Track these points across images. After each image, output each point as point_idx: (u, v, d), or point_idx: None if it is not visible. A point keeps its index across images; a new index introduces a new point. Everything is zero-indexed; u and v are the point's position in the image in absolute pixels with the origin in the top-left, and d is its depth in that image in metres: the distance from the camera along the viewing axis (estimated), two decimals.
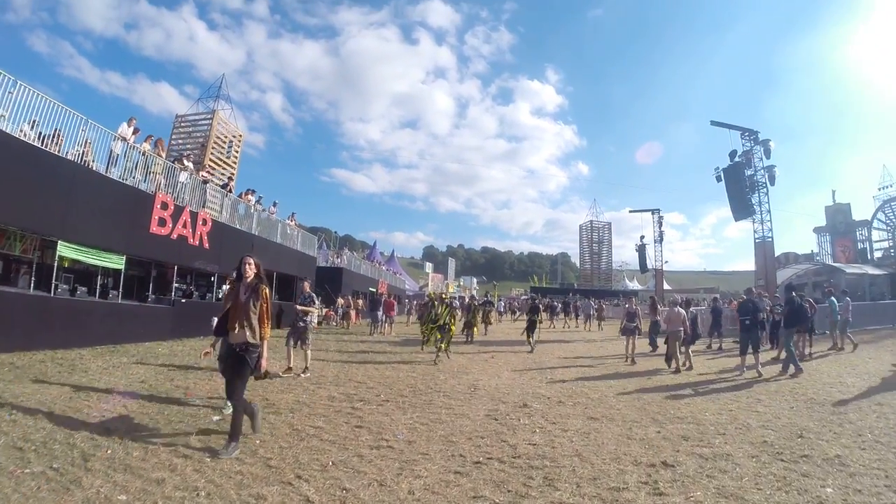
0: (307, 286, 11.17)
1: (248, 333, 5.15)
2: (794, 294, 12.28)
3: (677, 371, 11.76)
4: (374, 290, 38.12)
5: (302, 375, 9.82)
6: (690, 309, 16.00)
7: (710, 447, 5.67)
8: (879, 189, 52.82)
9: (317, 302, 11.11)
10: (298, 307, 10.43)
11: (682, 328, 12.38)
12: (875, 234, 52.34)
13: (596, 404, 8.06)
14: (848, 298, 16.52)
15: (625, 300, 21.82)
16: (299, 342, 10.22)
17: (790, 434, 6.25)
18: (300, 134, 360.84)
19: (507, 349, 16.72)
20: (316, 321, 11.54)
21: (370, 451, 5.28)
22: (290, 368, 9.98)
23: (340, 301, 28.03)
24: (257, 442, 5.42)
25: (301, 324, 10.30)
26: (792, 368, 10.96)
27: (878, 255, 50.19)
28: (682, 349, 12.50)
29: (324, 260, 34.95)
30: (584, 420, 6.96)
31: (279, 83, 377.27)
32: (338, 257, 37.18)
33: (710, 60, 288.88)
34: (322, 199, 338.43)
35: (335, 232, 67.93)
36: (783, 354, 11.78)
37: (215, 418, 6.36)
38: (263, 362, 5.29)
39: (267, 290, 5.38)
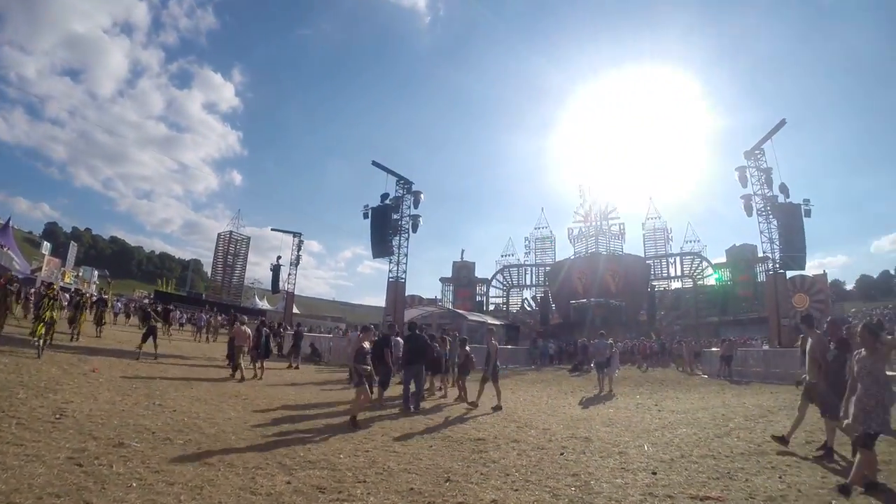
0: None
1: None
2: (416, 331, 12.30)
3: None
4: None
5: None
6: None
7: (351, 500, 4.64)
8: (502, 256, 67.80)
9: None
10: None
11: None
12: (492, 291, 64.29)
13: (212, 442, 6.40)
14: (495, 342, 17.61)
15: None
16: None
17: (437, 478, 5.56)
18: None
19: (114, 359, 13.96)
20: None
21: None
22: None
23: None
24: None
25: None
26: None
27: (491, 307, 61.70)
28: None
29: None
30: (198, 466, 5.27)
31: None
32: None
33: (388, 110, 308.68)
34: None
35: None
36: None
37: None
38: None
39: None
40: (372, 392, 9.38)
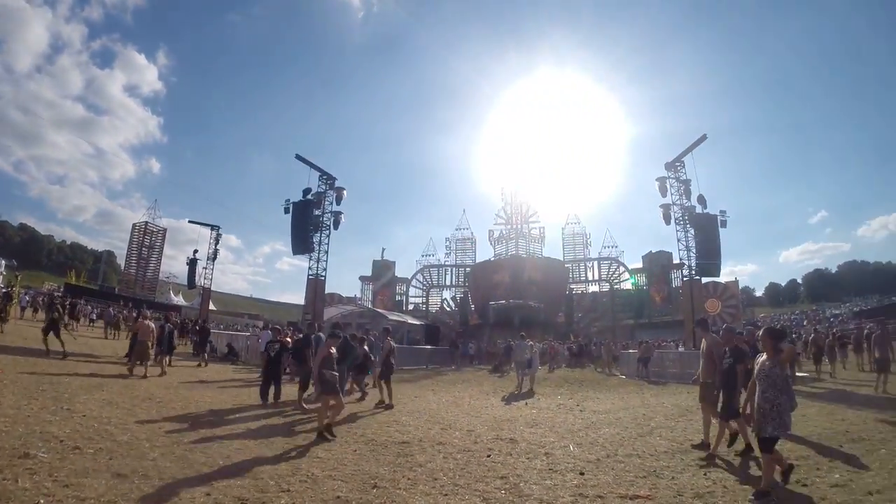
0: None
1: None
2: (340, 333, 11.87)
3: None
4: None
5: None
6: None
7: None
8: (423, 256, 67.15)
9: None
10: None
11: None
12: (412, 291, 63.80)
13: (125, 451, 5.96)
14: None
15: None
16: None
17: (363, 485, 5.42)
18: None
19: (20, 357, 12.97)
20: None
21: None
22: None
23: None
24: None
25: None
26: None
27: (411, 307, 61.21)
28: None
29: None
30: (110, 479, 4.88)
31: None
32: None
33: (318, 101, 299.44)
34: None
35: None
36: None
37: None
38: None
39: None
40: (342, 398, 8.89)
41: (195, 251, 38.86)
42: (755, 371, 5.54)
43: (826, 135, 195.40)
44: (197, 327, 22.94)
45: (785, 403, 5.15)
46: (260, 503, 4.61)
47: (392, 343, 12.86)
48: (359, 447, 7.32)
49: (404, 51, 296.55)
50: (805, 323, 57.35)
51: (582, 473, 6.08)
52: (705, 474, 6.02)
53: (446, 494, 5.11)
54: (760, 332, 5.87)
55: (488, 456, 6.97)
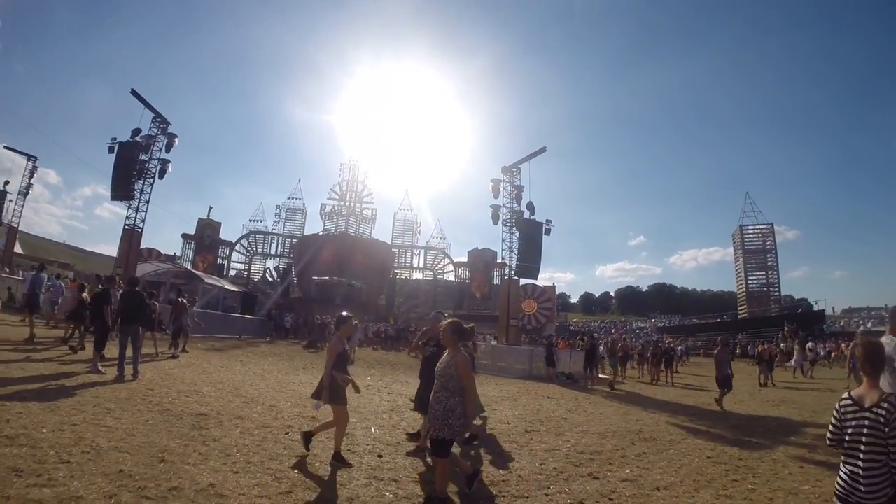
0: None
1: None
2: (135, 288, 11.06)
3: None
4: None
5: None
6: None
7: (51, 484, 4.10)
8: (250, 220, 64.18)
9: None
10: None
11: None
12: (235, 256, 61.04)
13: None
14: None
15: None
16: None
17: (151, 458, 5.14)
18: None
19: None
20: None
21: None
22: None
23: None
24: None
25: None
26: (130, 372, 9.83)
27: (233, 273, 58.43)
28: None
29: None
30: None
31: None
32: None
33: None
34: None
35: None
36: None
37: None
38: None
39: None
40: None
41: (6, 182, 33.95)
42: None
43: (660, 173, 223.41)
44: None
45: (456, 407, 4.70)
46: (35, 475, 4.23)
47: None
48: (152, 417, 6.94)
49: (273, 3, 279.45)
50: (612, 331, 63.92)
51: (380, 456, 6.25)
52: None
53: (237, 472, 4.99)
54: (443, 324, 5.26)
55: (286, 433, 6.90)
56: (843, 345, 30.78)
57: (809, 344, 26.15)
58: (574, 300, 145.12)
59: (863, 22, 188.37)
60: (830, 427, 3.22)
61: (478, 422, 8.76)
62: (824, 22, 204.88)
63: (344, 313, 6.38)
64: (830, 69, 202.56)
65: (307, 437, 6.14)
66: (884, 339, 5.09)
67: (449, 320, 5.27)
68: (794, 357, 24.70)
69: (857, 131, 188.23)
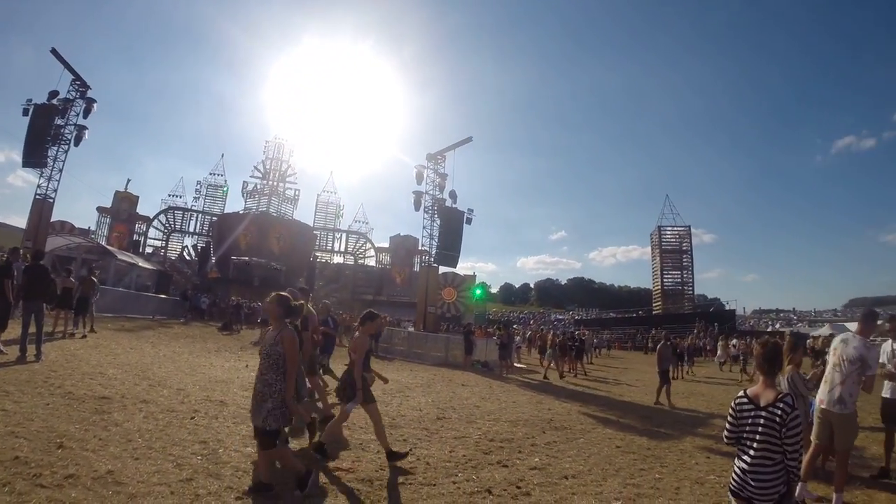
0: None
1: None
2: (39, 262, 10.60)
3: None
4: None
5: None
6: None
7: None
8: (169, 195, 61.91)
9: None
10: None
11: None
12: (152, 232, 58.52)
13: None
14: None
15: None
16: None
17: (48, 444, 5.03)
18: None
19: None
20: None
21: None
22: None
23: None
24: None
25: None
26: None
27: (149, 250, 56.11)
28: None
29: None
30: None
31: None
32: None
33: None
34: None
35: None
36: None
37: None
38: None
39: None
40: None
41: None
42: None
43: (585, 171, 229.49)
44: None
45: (282, 391, 4.38)
46: None
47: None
48: (53, 400, 6.75)
49: None
50: (531, 322, 65.43)
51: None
52: (410, 451, 6.36)
53: (137, 458, 4.94)
54: (269, 298, 4.79)
55: (192, 418, 6.83)
56: (754, 342, 33.05)
57: (733, 341, 27.61)
58: (494, 290, 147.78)
59: (784, 48, 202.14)
60: (727, 424, 3.41)
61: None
62: (749, 49, 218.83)
63: (373, 311, 6.32)
64: (751, 90, 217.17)
65: (320, 449, 5.82)
66: (848, 336, 5.68)
67: (276, 293, 4.84)
68: (718, 353, 26.21)
69: (771, 146, 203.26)
